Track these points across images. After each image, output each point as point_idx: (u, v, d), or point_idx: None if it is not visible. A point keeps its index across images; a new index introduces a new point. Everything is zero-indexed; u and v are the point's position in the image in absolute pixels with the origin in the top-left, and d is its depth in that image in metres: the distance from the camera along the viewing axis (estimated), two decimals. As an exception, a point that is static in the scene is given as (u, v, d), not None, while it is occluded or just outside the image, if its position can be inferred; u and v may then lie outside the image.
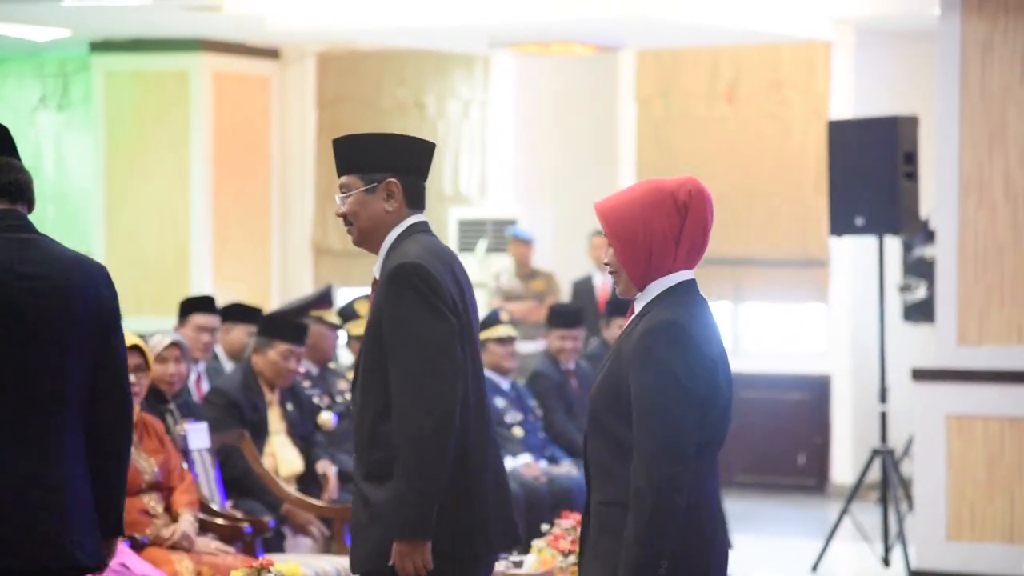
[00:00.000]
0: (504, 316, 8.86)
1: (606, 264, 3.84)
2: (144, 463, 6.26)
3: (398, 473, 4.15)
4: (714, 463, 3.77)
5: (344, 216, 4.35)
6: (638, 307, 3.80)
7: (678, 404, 3.66)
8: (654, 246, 3.78)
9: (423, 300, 4.19)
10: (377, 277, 4.30)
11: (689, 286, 3.80)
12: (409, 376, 4.16)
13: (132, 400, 4.38)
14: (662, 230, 3.77)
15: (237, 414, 7.32)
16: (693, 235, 3.80)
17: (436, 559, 4.20)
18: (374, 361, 4.24)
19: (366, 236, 4.35)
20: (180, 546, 6.17)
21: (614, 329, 9.06)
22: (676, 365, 3.67)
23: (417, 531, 4.14)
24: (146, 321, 10.70)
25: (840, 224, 9.05)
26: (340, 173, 4.36)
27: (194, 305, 8.28)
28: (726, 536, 3.78)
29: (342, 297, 10.94)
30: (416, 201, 4.36)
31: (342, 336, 8.29)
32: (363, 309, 8.05)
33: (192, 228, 12.98)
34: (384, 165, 4.34)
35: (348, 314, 8.20)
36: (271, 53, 13.45)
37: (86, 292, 4.23)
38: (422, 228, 4.34)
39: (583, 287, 11.99)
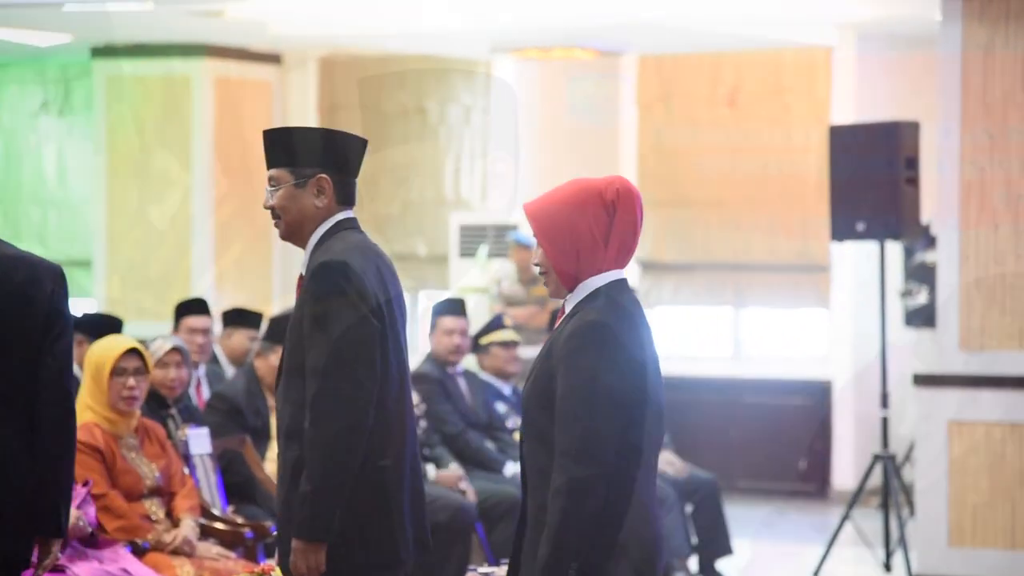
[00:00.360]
0: (508, 321, 8.87)
1: (536, 264, 3.83)
2: (145, 468, 6.26)
3: (305, 474, 4.14)
4: (650, 467, 3.75)
5: (272, 209, 4.34)
6: (568, 307, 3.80)
7: (600, 407, 3.65)
8: (582, 246, 3.77)
9: (345, 300, 4.18)
10: (303, 273, 4.29)
11: (619, 286, 3.79)
12: (324, 376, 4.15)
13: (73, 401, 4.37)
14: (590, 230, 3.77)
15: (240, 419, 7.33)
16: (622, 234, 3.79)
17: (356, 563, 4.20)
18: (297, 358, 4.23)
19: (293, 231, 4.35)
20: (181, 551, 6.17)
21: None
22: (601, 367, 3.66)
23: (315, 533, 4.14)
24: (147, 326, 10.70)
25: (841, 229, 9.04)
26: (270, 165, 4.35)
27: (186, 308, 8.30)
28: (662, 538, 3.77)
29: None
30: (346, 197, 4.35)
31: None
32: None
33: (193, 233, 12.98)
34: (315, 160, 4.32)
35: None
36: (273, 58, 13.45)
37: (25, 290, 4.24)
38: (350, 225, 4.33)
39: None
